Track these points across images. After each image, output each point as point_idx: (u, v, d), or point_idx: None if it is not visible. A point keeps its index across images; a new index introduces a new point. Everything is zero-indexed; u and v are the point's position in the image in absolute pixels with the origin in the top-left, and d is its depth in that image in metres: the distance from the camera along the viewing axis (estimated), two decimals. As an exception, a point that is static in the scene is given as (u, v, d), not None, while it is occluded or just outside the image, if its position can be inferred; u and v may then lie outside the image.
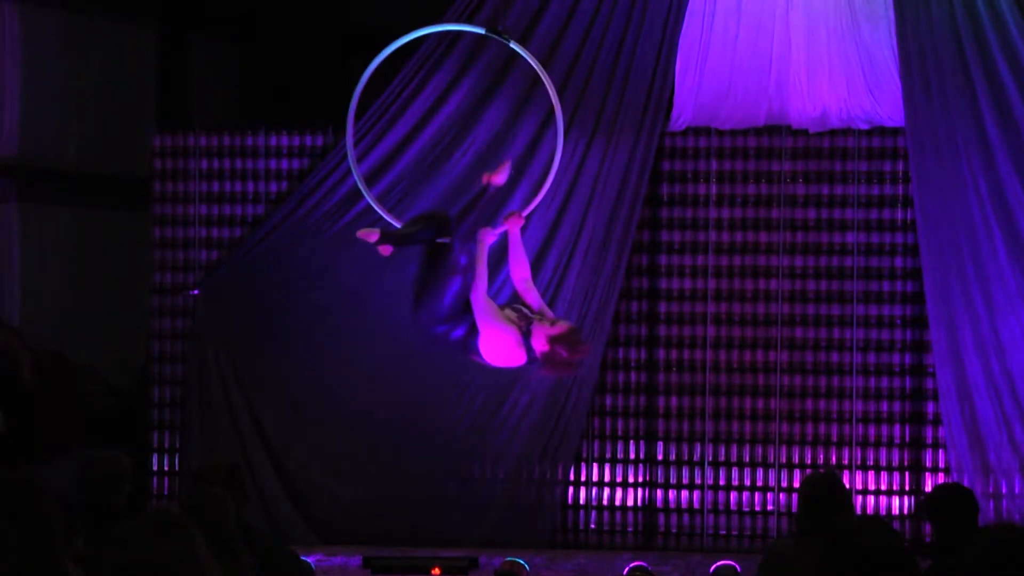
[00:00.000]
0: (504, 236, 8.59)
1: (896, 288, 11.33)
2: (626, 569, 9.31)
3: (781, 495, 11.34)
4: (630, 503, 11.50)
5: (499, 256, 11.40)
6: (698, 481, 11.44)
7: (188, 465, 11.48)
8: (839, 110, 11.42)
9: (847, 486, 7.18)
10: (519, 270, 8.42)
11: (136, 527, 3.90)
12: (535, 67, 9.14)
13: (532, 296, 8.35)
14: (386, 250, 8.22)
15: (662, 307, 11.52)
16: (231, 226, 11.87)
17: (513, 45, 9.13)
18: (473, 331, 8.06)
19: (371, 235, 8.13)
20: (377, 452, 11.48)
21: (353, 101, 8.90)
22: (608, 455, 11.53)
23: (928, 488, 10.95)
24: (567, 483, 11.49)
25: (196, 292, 11.69)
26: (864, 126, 11.41)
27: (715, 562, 9.50)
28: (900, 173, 11.34)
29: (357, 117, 11.48)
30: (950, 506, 6.86)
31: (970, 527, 6.68)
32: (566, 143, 11.39)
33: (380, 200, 11.53)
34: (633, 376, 11.53)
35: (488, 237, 8.21)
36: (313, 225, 11.52)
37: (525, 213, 8.78)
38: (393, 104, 11.44)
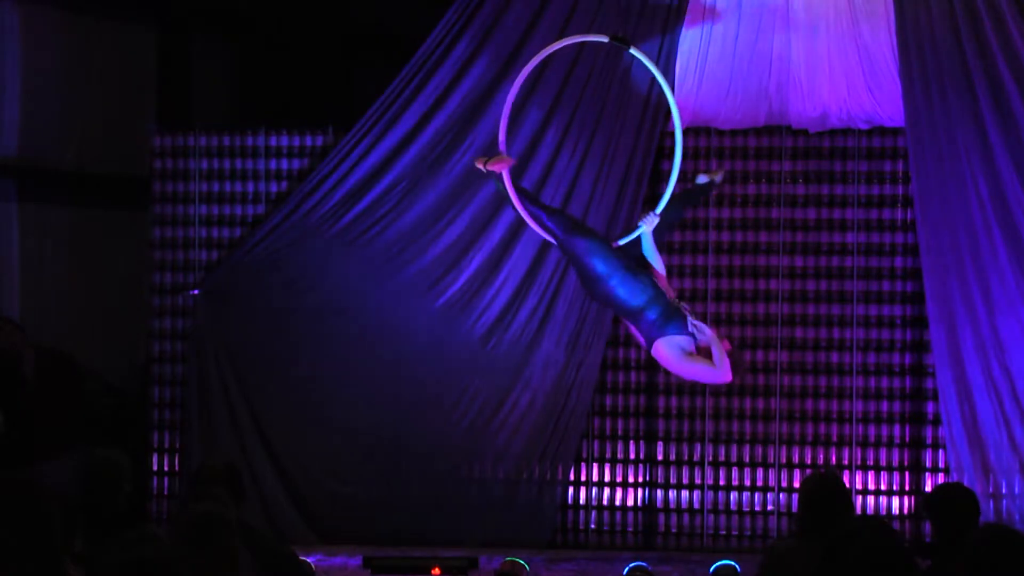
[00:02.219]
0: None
1: (896, 288, 11.33)
2: (626, 569, 9.32)
3: (781, 495, 11.34)
4: (630, 503, 11.50)
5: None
6: (698, 481, 11.44)
7: (188, 465, 11.48)
8: (839, 110, 11.42)
9: (847, 486, 7.18)
10: (660, 267, 9.08)
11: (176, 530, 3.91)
12: (654, 73, 9.30)
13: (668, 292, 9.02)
14: (494, 167, 8.98)
15: (662, 307, 11.51)
16: (231, 226, 11.87)
17: (633, 51, 9.24)
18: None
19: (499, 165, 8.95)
20: (377, 452, 11.48)
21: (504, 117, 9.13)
22: (608, 455, 11.53)
23: (928, 488, 10.96)
24: (567, 483, 11.49)
25: (196, 292, 11.69)
26: (864, 126, 11.41)
27: (715, 562, 9.50)
28: (900, 173, 11.34)
29: (358, 117, 11.55)
30: (950, 506, 6.86)
31: (971, 527, 6.67)
32: (565, 142, 11.42)
33: (380, 200, 11.58)
34: (633, 376, 11.53)
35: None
36: (313, 225, 11.51)
37: (658, 212, 9.09)
38: (393, 104, 11.44)
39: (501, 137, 9.17)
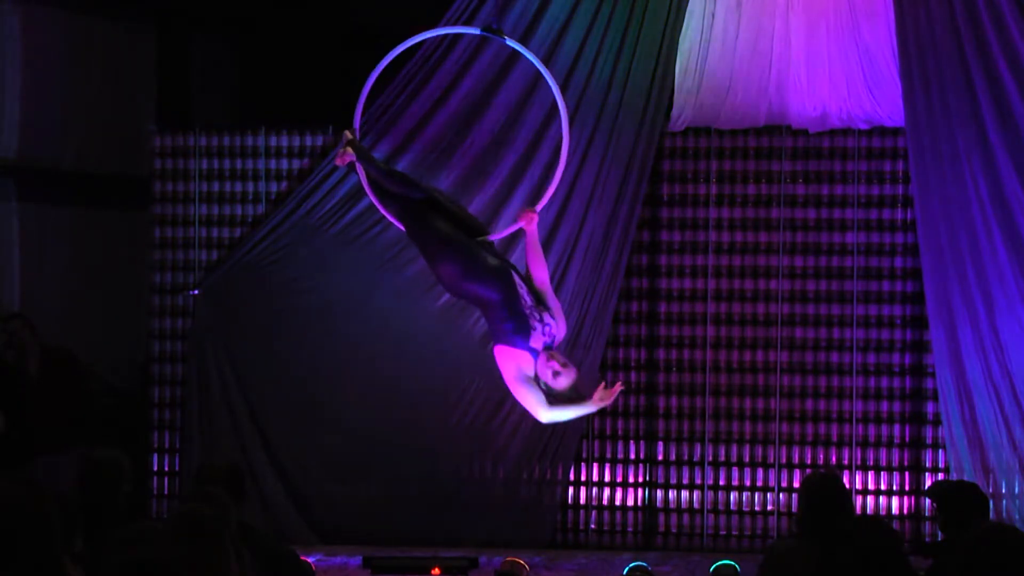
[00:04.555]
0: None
1: (896, 288, 11.33)
2: (626, 569, 9.32)
3: (781, 495, 11.34)
4: (630, 503, 11.50)
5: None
6: (698, 481, 11.44)
7: (188, 465, 11.48)
8: (839, 110, 11.42)
9: (847, 486, 7.18)
10: (539, 271, 8.51)
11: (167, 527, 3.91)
12: (534, 63, 9.25)
13: (551, 299, 8.48)
14: (344, 159, 8.88)
15: (662, 307, 11.52)
16: (231, 226, 11.87)
17: (509, 42, 9.26)
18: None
19: (346, 155, 8.81)
20: (377, 452, 11.48)
21: (358, 107, 9.07)
22: (608, 455, 11.53)
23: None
24: (567, 483, 11.49)
25: (196, 292, 11.69)
26: (864, 126, 11.41)
27: (715, 562, 9.51)
28: (900, 173, 11.34)
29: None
30: (961, 498, 6.87)
31: (977, 522, 6.67)
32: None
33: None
34: (633, 376, 11.53)
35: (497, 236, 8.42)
36: (313, 225, 11.52)
37: (538, 208, 8.80)
38: (393, 104, 11.44)
39: (356, 118, 9.11)
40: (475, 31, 9.69)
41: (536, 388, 8.16)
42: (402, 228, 8.94)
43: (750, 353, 11.42)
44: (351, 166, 9.25)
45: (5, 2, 12.04)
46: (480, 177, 11.42)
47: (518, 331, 8.19)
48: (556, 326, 8.31)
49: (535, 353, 8.20)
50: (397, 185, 8.84)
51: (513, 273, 8.38)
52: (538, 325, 8.23)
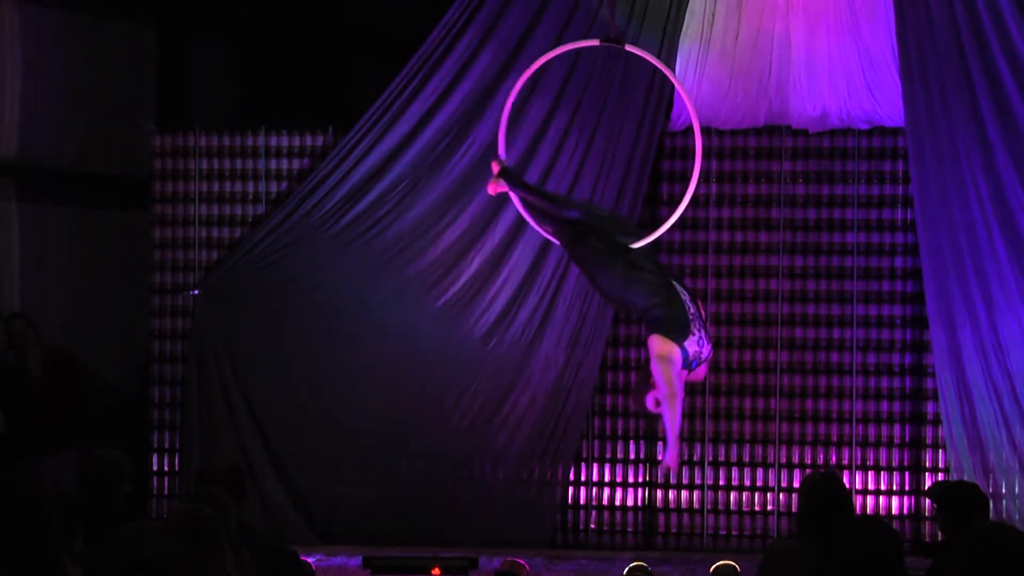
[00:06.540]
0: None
1: (896, 288, 11.33)
2: (626, 569, 9.31)
3: (781, 495, 11.34)
4: (630, 503, 11.50)
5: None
6: (698, 481, 11.44)
7: (188, 465, 11.48)
8: (839, 110, 11.42)
9: (847, 486, 7.16)
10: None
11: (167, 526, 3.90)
12: (660, 67, 9.37)
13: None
14: (496, 188, 9.07)
15: (662, 307, 11.50)
16: (231, 226, 11.87)
17: (630, 49, 9.28)
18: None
19: (499, 185, 9.04)
20: (377, 452, 11.48)
21: (501, 135, 9.18)
22: (608, 455, 11.53)
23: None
24: (567, 483, 11.49)
25: (196, 292, 11.69)
26: (864, 126, 11.41)
27: (715, 562, 9.50)
28: (900, 173, 11.34)
29: (358, 117, 11.55)
30: (960, 498, 6.86)
31: (977, 522, 6.67)
32: (565, 142, 11.42)
33: (380, 200, 11.57)
34: (633, 376, 11.52)
35: None
36: (313, 225, 11.52)
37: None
38: (393, 104, 11.44)
39: (500, 145, 9.13)
40: (595, 43, 9.47)
41: (669, 373, 8.49)
42: (559, 245, 9.23)
43: (750, 353, 11.42)
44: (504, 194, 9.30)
45: (5, 2, 12.04)
46: (479, 177, 11.41)
47: (677, 330, 8.52)
48: (706, 343, 8.67)
49: (685, 353, 8.52)
50: (551, 205, 9.12)
51: (675, 284, 8.76)
52: (697, 332, 8.59)
